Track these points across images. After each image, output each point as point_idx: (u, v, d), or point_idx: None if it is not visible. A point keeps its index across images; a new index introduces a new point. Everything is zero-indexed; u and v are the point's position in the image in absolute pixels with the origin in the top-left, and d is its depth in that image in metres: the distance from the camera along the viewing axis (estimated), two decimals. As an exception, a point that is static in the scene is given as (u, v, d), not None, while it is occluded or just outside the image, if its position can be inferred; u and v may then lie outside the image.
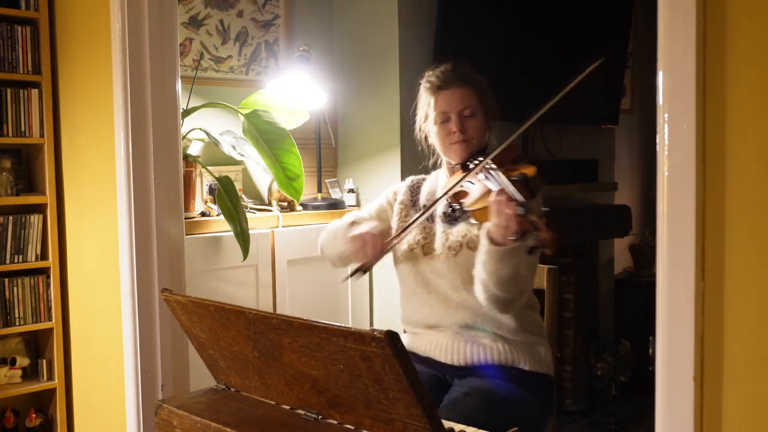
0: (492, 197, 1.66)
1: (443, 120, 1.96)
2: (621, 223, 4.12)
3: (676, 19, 1.29)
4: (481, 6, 3.37)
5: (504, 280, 1.76)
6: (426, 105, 2.02)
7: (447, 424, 1.44)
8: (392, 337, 1.08)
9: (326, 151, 3.37)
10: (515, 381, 1.89)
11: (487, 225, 1.73)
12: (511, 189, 1.65)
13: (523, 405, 1.86)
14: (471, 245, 1.90)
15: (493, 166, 1.80)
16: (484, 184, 1.79)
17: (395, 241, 1.95)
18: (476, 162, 1.88)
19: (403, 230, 1.95)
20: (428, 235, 2.01)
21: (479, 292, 1.83)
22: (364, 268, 1.93)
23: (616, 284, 4.45)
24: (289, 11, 3.32)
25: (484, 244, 1.76)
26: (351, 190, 3.27)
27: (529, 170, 1.76)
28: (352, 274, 1.97)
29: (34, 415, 2.77)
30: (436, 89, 1.98)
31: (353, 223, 2.04)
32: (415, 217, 1.97)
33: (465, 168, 1.93)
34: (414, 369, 1.11)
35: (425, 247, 1.99)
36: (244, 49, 3.18)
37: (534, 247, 1.60)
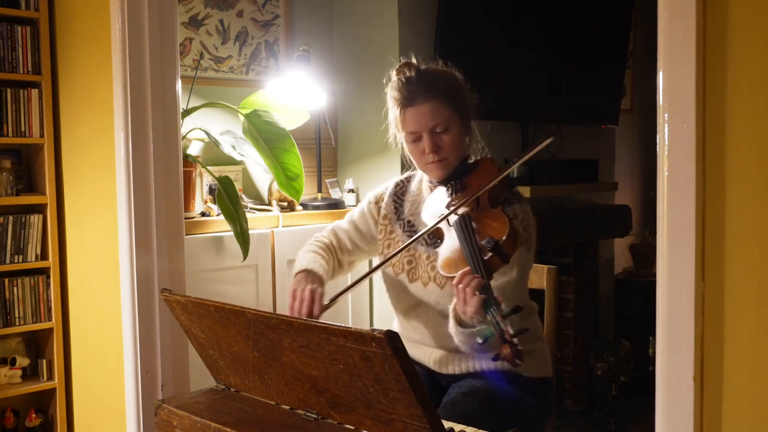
0: (456, 279, 1.54)
1: (414, 140, 1.82)
2: (621, 223, 4.12)
3: (676, 19, 1.29)
4: (480, 6, 3.37)
5: (477, 348, 1.65)
6: (394, 119, 1.87)
7: (447, 424, 1.44)
8: (392, 337, 1.08)
9: (326, 151, 3.37)
10: (514, 384, 1.87)
11: (455, 302, 1.61)
12: (478, 263, 1.54)
13: (522, 406, 1.85)
14: None
15: (467, 210, 1.69)
16: (455, 239, 1.67)
17: (329, 306, 1.82)
18: (453, 191, 1.79)
19: (340, 294, 1.81)
20: (413, 259, 1.91)
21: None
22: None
23: (616, 284, 4.45)
24: (289, 11, 3.32)
25: (451, 323, 1.65)
26: (351, 190, 3.26)
27: (501, 229, 1.62)
28: None
29: (34, 415, 2.77)
30: (402, 105, 1.82)
31: (300, 273, 1.90)
32: (375, 267, 1.85)
33: (444, 186, 1.84)
34: (414, 369, 1.11)
35: (410, 273, 1.90)
36: (244, 49, 3.18)
37: (497, 354, 1.48)
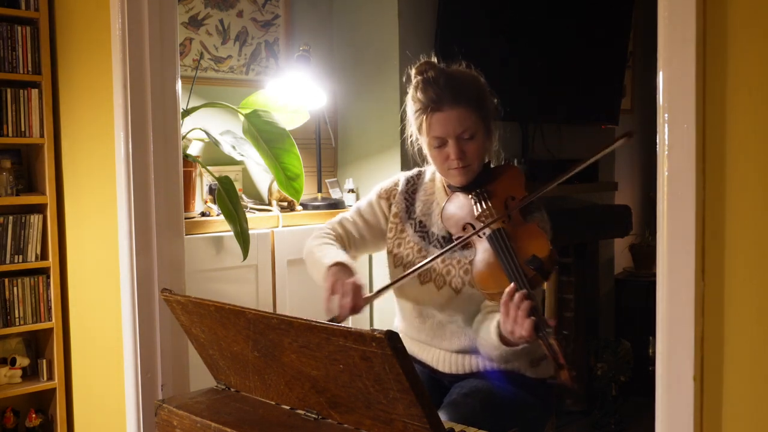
0: (504, 297, 1.54)
1: (439, 144, 1.79)
2: (621, 223, 4.12)
3: (676, 19, 1.29)
4: (481, 6, 3.37)
5: (511, 359, 1.70)
6: (418, 122, 1.84)
7: (447, 424, 1.44)
8: (392, 337, 1.08)
9: (326, 151, 3.37)
10: (515, 384, 1.86)
11: (498, 319, 1.59)
12: (524, 281, 1.54)
13: (522, 406, 1.85)
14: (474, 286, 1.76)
15: (503, 234, 1.65)
16: (491, 252, 1.65)
17: (373, 299, 1.78)
18: (478, 198, 1.78)
19: (385, 288, 1.79)
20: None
21: (481, 351, 1.76)
22: (337, 321, 1.74)
23: (616, 284, 4.45)
24: (289, 11, 3.32)
25: (493, 339, 1.63)
26: (351, 190, 3.26)
27: (542, 247, 1.61)
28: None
29: (34, 415, 2.77)
30: (429, 110, 1.78)
31: (334, 267, 1.81)
32: (406, 273, 1.79)
33: (468, 191, 1.81)
34: (414, 369, 1.11)
35: (422, 275, 1.85)
36: (244, 49, 3.18)
37: (552, 377, 1.52)
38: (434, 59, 1.88)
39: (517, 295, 1.53)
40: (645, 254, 4.50)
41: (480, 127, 1.80)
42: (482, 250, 1.69)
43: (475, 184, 1.83)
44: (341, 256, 1.86)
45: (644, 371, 3.89)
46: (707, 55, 1.27)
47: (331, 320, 1.75)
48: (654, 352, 1.39)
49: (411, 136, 1.91)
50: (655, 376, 1.35)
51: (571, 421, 3.91)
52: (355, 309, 1.74)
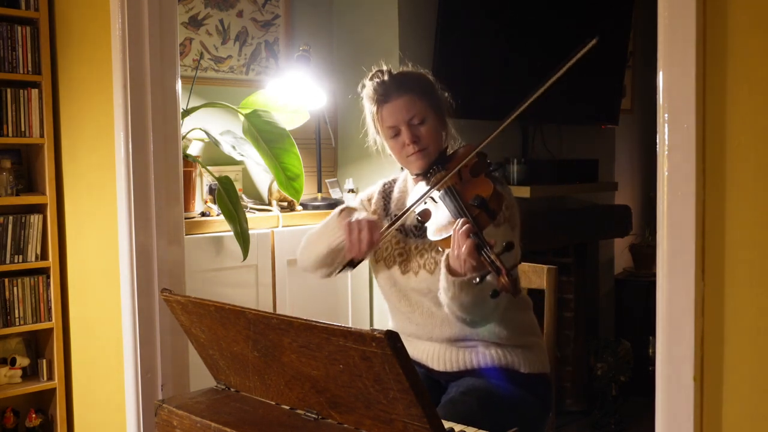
0: (453, 227, 1.62)
1: (394, 135, 1.90)
2: (621, 223, 4.12)
3: (676, 19, 1.29)
4: (481, 6, 3.37)
5: (467, 306, 1.70)
6: (372, 119, 1.96)
7: (447, 424, 1.44)
8: (392, 337, 1.08)
9: (326, 151, 3.37)
10: (512, 381, 1.87)
11: (447, 251, 1.67)
12: (467, 217, 1.62)
13: (521, 404, 1.86)
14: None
15: (451, 187, 1.75)
16: (444, 208, 1.74)
17: (387, 232, 1.87)
18: (434, 178, 1.83)
19: (394, 221, 1.87)
20: (403, 251, 1.95)
21: (447, 312, 1.78)
22: (354, 262, 1.84)
23: (616, 284, 4.45)
24: (289, 11, 3.32)
25: (443, 272, 1.69)
26: (351, 190, 3.26)
27: (485, 189, 1.70)
28: (339, 270, 1.90)
29: (34, 415, 2.77)
30: (379, 103, 1.91)
31: (343, 211, 1.95)
32: (386, 226, 1.91)
33: (426, 177, 1.88)
34: (414, 369, 1.11)
35: (402, 266, 1.93)
36: (244, 49, 3.18)
37: (495, 291, 1.53)
38: (384, 66, 1.97)
39: (459, 222, 1.61)
40: (645, 254, 4.50)
41: (429, 113, 1.90)
42: (436, 210, 1.78)
43: (432, 168, 1.91)
44: (349, 204, 1.96)
45: (644, 371, 3.89)
46: (707, 55, 1.27)
47: (351, 261, 1.84)
48: (654, 352, 1.39)
49: (373, 141, 2.01)
50: (655, 376, 1.35)
51: (571, 421, 3.91)
52: (372, 243, 1.82)
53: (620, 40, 4.06)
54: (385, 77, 1.92)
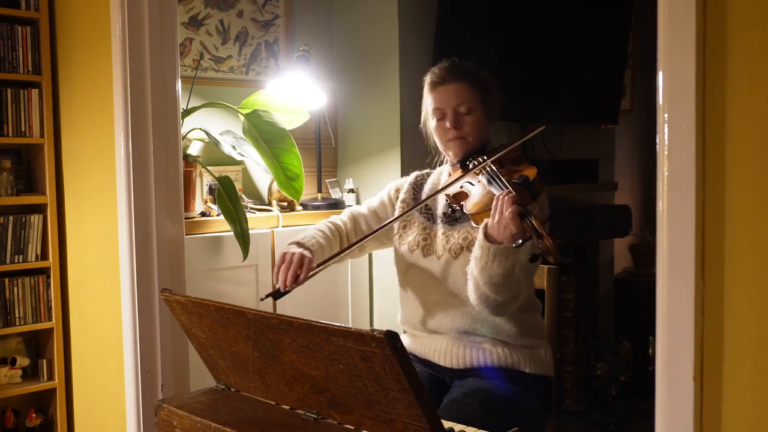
0: (495, 197, 1.66)
1: (439, 117, 1.94)
2: (621, 223, 4.12)
3: (676, 19, 1.29)
4: (481, 6, 3.37)
5: (495, 280, 1.71)
6: (426, 101, 2.00)
7: (447, 424, 1.44)
8: (392, 337, 1.08)
9: (326, 151, 3.37)
10: (515, 382, 1.87)
11: (486, 220, 1.70)
12: (511, 190, 1.65)
13: (522, 406, 1.86)
14: (471, 248, 1.82)
15: (494, 167, 1.79)
16: (485, 186, 1.77)
17: (318, 270, 1.87)
18: (476, 162, 1.87)
19: (332, 258, 1.89)
20: (428, 236, 1.98)
21: (470, 291, 1.79)
22: (281, 292, 1.85)
23: (616, 284, 4.45)
24: (289, 11, 3.32)
25: (479, 238, 1.71)
26: (351, 190, 3.27)
27: (530, 172, 1.75)
28: (263, 298, 1.92)
29: (34, 415, 2.77)
30: (434, 85, 1.96)
31: (317, 229, 1.99)
32: (389, 220, 1.97)
33: (465, 167, 1.92)
34: (414, 369, 1.11)
35: (425, 249, 1.96)
36: (244, 49, 3.18)
37: (536, 254, 1.57)
38: (445, 63, 2.02)
39: (503, 193, 1.64)
40: (645, 254, 4.50)
41: (478, 106, 1.93)
42: (477, 189, 1.81)
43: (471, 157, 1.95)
44: (308, 240, 1.95)
45: (644, 371, 3.89)
46: (707, 55, 1.27)
47: (275, 291, 1.85)
48: (654, 352, 1.39)
49: (423, 118, 2.04)
50: (655, 376, 1.35)
51: (571, 421, 3.91)
52: (297, 280, 1.84)
53: (620, 40, 4.06)
54: (447, 63, 1.97)
